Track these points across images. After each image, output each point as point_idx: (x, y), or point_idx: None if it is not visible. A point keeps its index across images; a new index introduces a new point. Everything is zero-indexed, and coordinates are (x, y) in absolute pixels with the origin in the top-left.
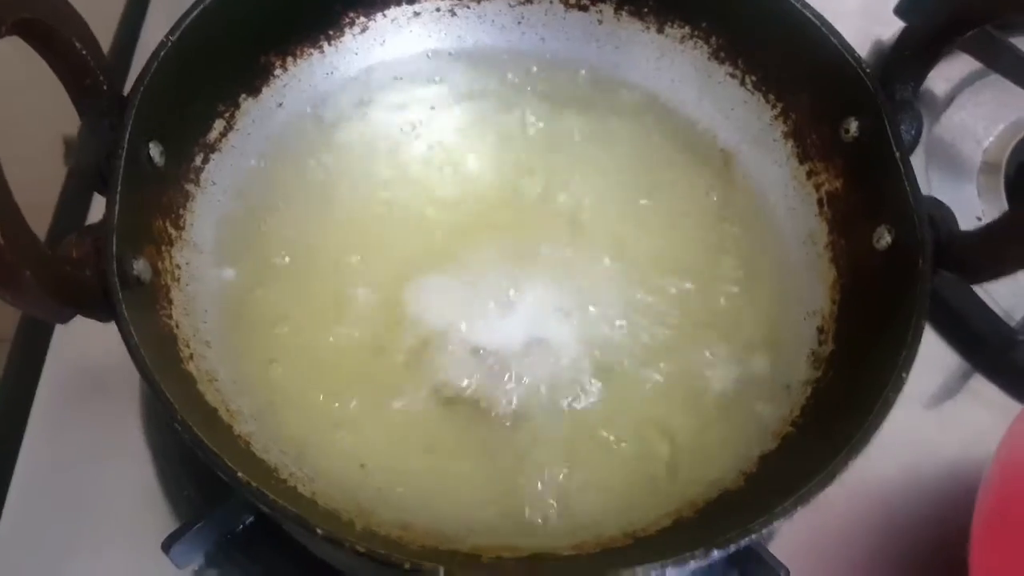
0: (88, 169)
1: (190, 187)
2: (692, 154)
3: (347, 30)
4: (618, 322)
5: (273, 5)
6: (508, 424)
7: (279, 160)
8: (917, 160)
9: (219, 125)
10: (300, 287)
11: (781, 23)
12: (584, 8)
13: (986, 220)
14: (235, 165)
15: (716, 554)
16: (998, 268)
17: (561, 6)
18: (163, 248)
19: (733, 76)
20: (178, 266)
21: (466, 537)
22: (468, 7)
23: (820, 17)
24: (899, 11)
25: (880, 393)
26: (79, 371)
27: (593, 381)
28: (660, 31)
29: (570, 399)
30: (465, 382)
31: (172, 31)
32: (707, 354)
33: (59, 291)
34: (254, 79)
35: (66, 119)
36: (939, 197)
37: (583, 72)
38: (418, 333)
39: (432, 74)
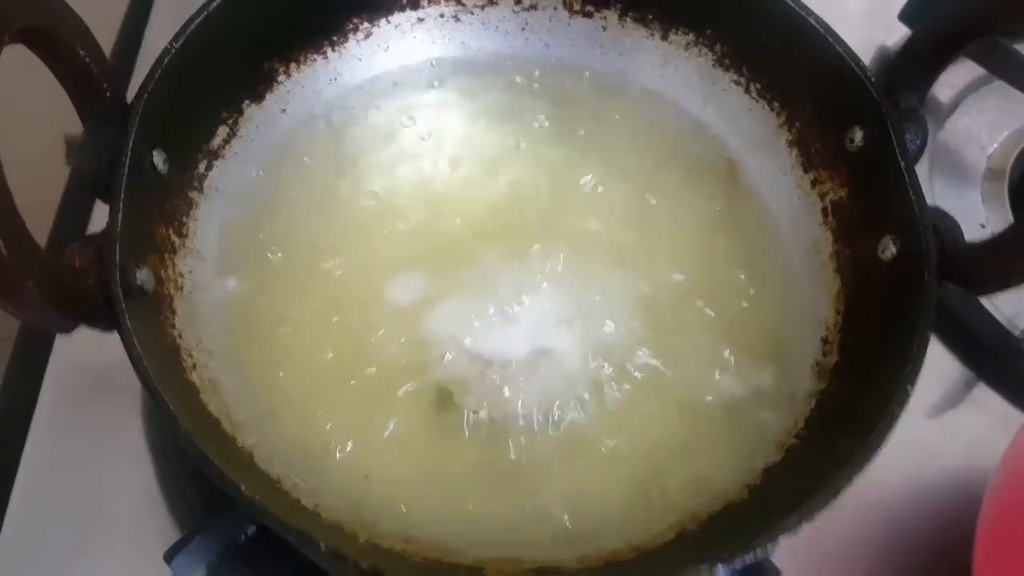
0: (90, 175)
1: (193, 194)
2: (696, 161)
3: (351, 36)
4: (621, 332)
5: (277, 11)
6: (510, 435)
7: (282, 166)
8: (921, 166)
9: (222, 132)
10: (303, 295)
11: (785, 30)
12: (588, 14)
13: (990, 228)
14: (238, 172)
15: (721, 570)
16: (1003, 281)
17: (565, 12)
18: (166, 256)
19: (738, 83)
20: (181, 274)
21: (469, 550)
22: (472, 13)
23: (824, 25)
24: (904, 17)
25: (885, 407)
26: (82, 371)
27: (596, 392)
28: (664, 38)
29: (573, 410)
30: (468, 393)
31: (176, 38)
32: (711, 363)
33: (62, 301)
34: (258, 85)
35: (68, 118)
36: (943, 203)
37: (587, 78)
38: (422, 342)
39: (436, 80)
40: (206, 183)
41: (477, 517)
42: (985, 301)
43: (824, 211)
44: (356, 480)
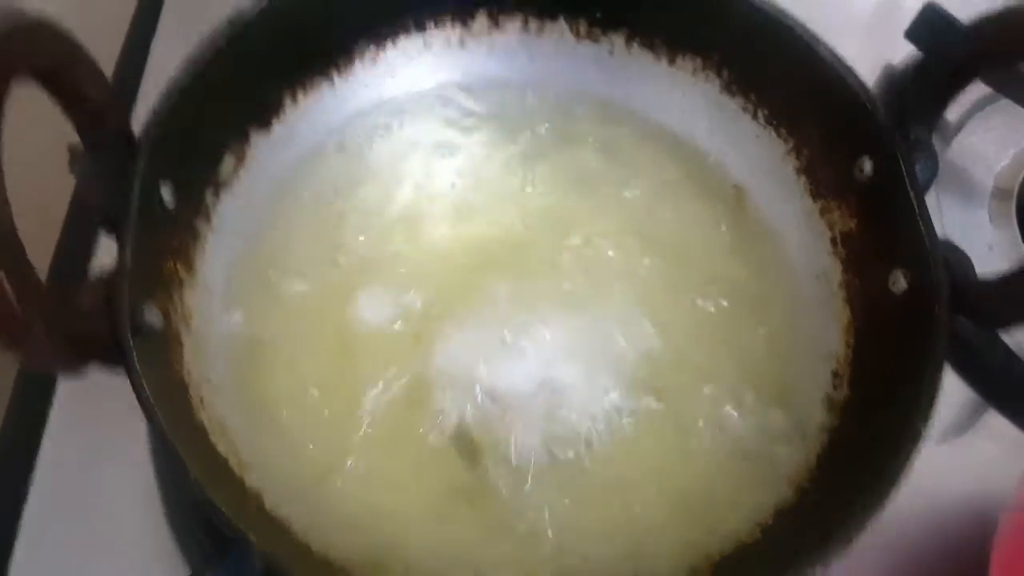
0: (95, 208)
1: (201, 226)
2: (703, 187)
3: (357, 61)
4: (629, 364)
5: (284, 38)
6: (519, 471)
7: (289, 195)
8: None
9: (230, 161)
10: (310, 329)
11: (793, 57)
12: (595, 39)
13: (997, 249)
14: (246, 202)
15: None
16: (1016, 317)
17: (572, 37)
18: (174, 292)
19: (745, 110)
20: (189, 309)
21: None
22: (478, 38)
23: (833, 53)
24: (911, 35)
25: (897, 451)
26: (91, 384)
27: (605, 426)
28: (671, 63)
29: (579, 448)
30: (476, 428)
31: (183, 70)
32: (720, 396)
33: (70, 345)
34: (265, 112)
35: (65, 130)
36: (950, 223)
37: (594, 104)
38: (428, 376)
39: (442, 106)
40: (213, 214)
41: (486, 558)
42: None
43: (833, 240)
44: (365, 519)
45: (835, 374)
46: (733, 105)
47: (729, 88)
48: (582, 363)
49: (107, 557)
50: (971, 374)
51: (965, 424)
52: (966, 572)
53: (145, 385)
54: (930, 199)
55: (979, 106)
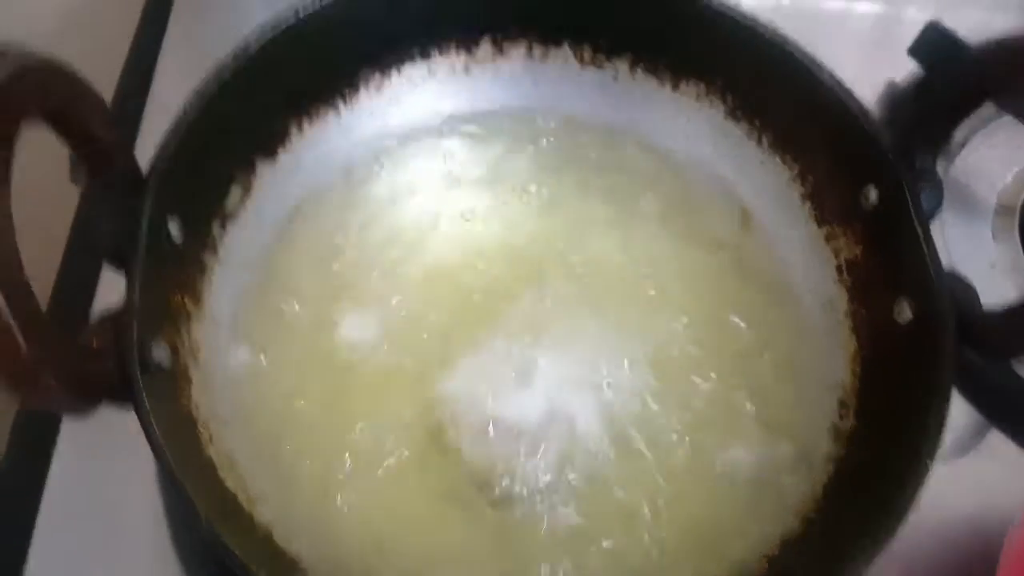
0: (100, 243)
1: (208, 258)
2: (709, 212)
3: (363, 90)
4: (635, 393)
5: (291, 70)
6: (526, 501)
7: (295, 225)
8: None
9: (236, 192)
10: (316, 361)
11: (797, 83)
12: (599, 65)
13: (1000, 267)
14: (252, 232)
15: None
16: (1021, 351)
17: (576, 63)
18: (182, 326)
19: (750, 136)
20: (196, 343)
21: None
22: (483, 65)
23: (836, 80)
24: (913, 52)
25: (904, 486)
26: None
27: (611, 456)
28: (675, 88)
29: (588, 475)
30: (485, 459)
31: (191, 105)
32: (727, 425)
33: (79, 386)
34: (271, 142)
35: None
36: (953, 240)
37: (599, 129)
38: (436, 408)
39: (447, 132)
40: (220, 246)
41: None
42: None
43: (839, 268)
44: (372, 553)
45: (841, 403)
46: (738, 131)
47: (734, 114)
48: (588, 392)
49: None
50: (974, 394)
51: (968, 444)
52: None
53: (154, 423)
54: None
55: (982, 122)
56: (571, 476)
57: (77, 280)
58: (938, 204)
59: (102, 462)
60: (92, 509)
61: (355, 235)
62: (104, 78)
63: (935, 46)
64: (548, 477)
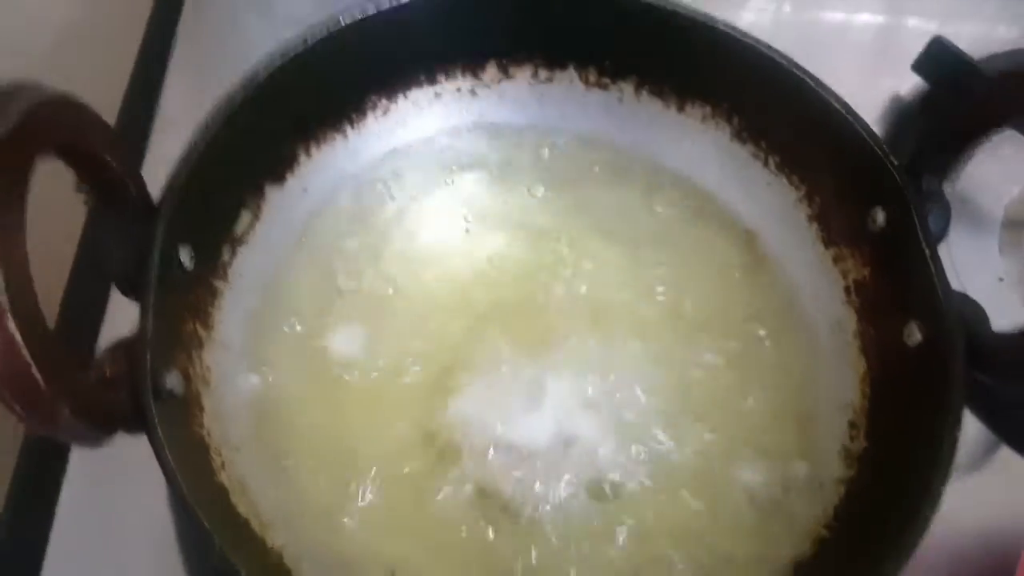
0: (109, 268)
1: (218, 283)
2: (715, 233)
3: (369, 113)
4: (645, 415)
5: (300, 97)
6: (536, 525)
7: (302, 245)
8: None
9: (246, 217)
10: (325, 385)
11: (801, 105)
12: (604, 87)
13: (1007, 281)
14: (262, 257)
15: None
16: None
17: (581, 85)
18: (193, 352)
19: (756, 157)
20: (208, 368)
21: None
22: (488, 87)
23: (844, 103)
24: (917, 67)
25: (916, 511)
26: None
27: (621, 481)
28: (681, 110)
29: (598, 499)
30: (494, 482)
31: (200, 134)
32: (737, 447)
33: (94, 416)
34: (279, 167)
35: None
36: (960, 254)
37: (604, 150)
38: (445, 432)
39: (454, 155)
40: (230, 271)
41: None
42: None
43: (847, 289)
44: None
45: (852, 425)
46: (744, 152)
47: (740, 135)
48: (598, 415)
49: None
50: (985, 413)
51: (980, 459)
52: None
53: (167, 450)
54: None
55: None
56: (582, 499)
57: (85, 302)
58: (945, 226)
59: (112, 488)
60: (103, 536)
61: (363, 257)
62: (107, 94)
63: (940, 61)
64: (557, 500)
